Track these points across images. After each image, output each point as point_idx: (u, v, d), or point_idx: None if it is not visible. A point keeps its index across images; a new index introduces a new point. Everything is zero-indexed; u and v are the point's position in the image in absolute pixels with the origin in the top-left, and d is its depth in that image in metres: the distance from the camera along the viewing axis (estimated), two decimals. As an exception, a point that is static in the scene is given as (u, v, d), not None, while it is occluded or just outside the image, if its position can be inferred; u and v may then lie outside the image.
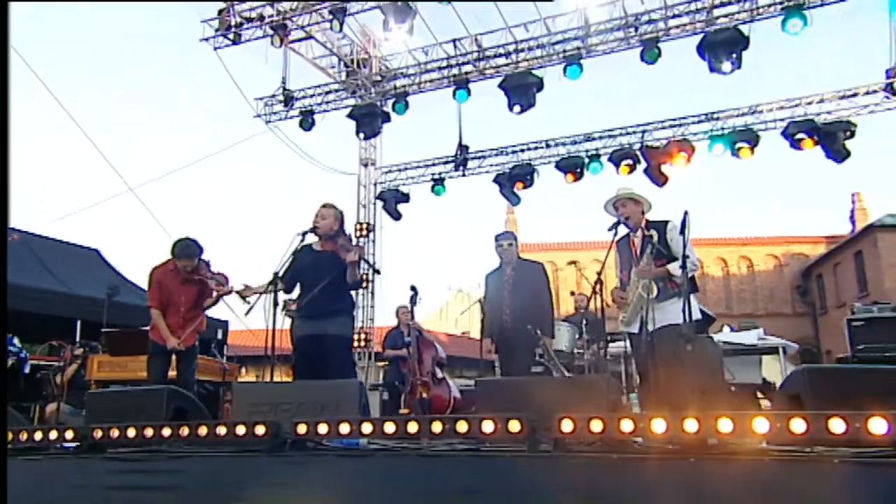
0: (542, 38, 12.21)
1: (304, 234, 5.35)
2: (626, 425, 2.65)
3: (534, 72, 11.55)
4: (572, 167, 12.28)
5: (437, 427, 3.07)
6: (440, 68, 13.04)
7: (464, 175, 13.43)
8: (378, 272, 5.25)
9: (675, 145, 11.63)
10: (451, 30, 13.11)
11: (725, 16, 10.22)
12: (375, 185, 14.07)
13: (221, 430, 3.46)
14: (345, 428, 3.25)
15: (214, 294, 6.20)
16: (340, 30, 11.02)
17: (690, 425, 2.52)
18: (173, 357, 6.19)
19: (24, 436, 3.80)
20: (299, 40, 12.64)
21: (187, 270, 6.07)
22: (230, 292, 6.02)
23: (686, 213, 4.34)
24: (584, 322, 7.49)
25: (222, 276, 6.17)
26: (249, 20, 11.80)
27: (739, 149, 11.09)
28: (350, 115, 12.22)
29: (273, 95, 12.88)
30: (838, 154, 10.65)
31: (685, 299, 4.03)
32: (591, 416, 2.72)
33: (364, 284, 5.47)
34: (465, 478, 2.89)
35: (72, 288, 11.52)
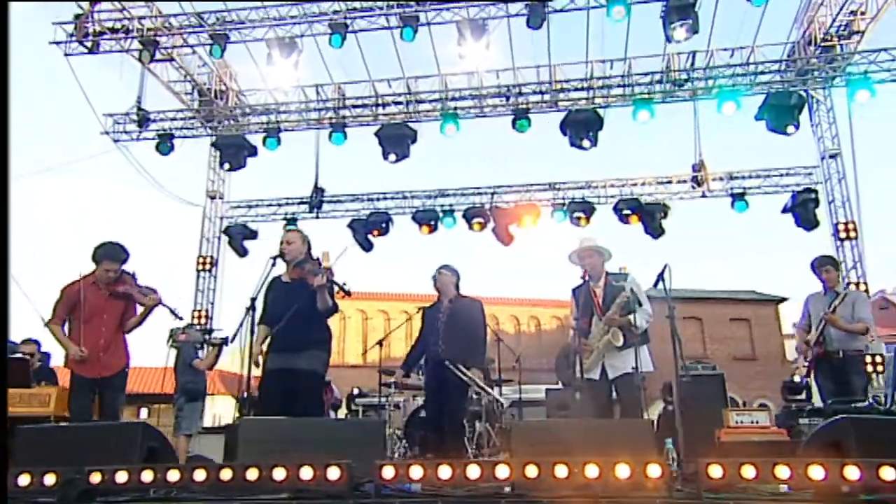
0: (403, 95, 12.52)
1: (275, 258, 4.96)
2: (783, 472, 2.60)
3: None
4: (428, 220, 12.58)
5: (561, 471, 2.73)
6: (300, 111, 12.77)
7: (317, 217, 13.14)
8: (349, 293, 4.90)
9: (521, 208, 12.47)
10: (315, 75, 12.94)
11: (582, 99, 11.29)
12: (221, 219, 13.22)
13: (279, 474, 2.81)
14: (445, 471, 2.78)
15: (140, 309, 5.36)
16: (221, 55, 10.39)
17: (852, 473, 2.54)
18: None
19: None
20: (159, 61, 11.69)
21: (110, 278, 5.25)
22: (158, 303, 5.31)
23: (666, 265, 4.65)
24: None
25: (150, 290, 5.36)
26: (113, 31, 10.70)
27: (578, 218, 12.15)
28: (214, 145, 11.52)
29: (126, 114, 11.69)
30: (655, 230, 12.13)
31: (675, 345, 4.33)
32: (742, 461, 2.63)
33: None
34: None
35: None
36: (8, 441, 3.32)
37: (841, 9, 10.72)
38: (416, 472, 2.77)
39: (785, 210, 11.91)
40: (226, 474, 2.80)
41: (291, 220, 13.04)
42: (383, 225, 12.64)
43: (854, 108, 10.45)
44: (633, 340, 5.04)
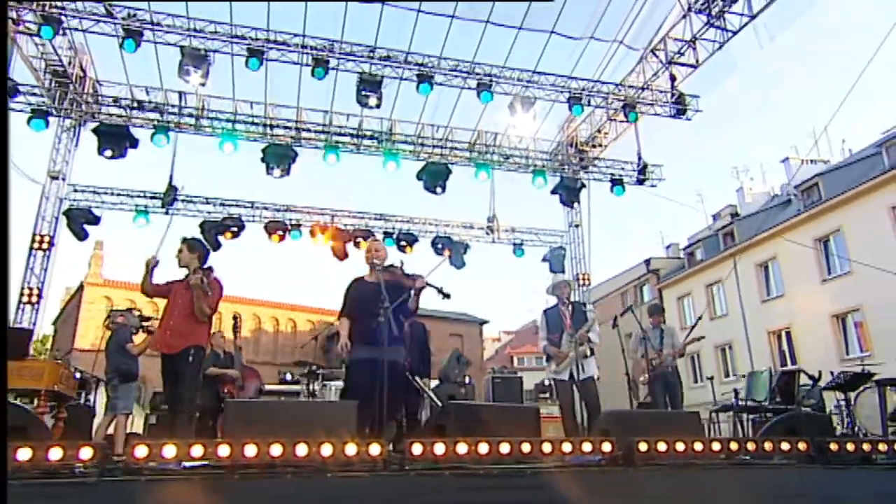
0: (261, 118, 13.14)
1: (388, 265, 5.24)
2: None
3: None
4: (277, 230, 13.28)
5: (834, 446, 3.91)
6: (161, 112, 12.51)
7: (167, 213, 12.85)
8: (448, 296, 4.96)
9: (358, 232, 13.92)
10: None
11: (410, 150, 13.40)
12: (61, 200, 12.13)
13: (607, 447, 3.50)
14: (698, 445, 3.64)
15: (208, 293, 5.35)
16: (135, 50, 10.02)
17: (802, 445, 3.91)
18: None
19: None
20: (26, 34, 10.64)
21: (185, 264, 5.44)
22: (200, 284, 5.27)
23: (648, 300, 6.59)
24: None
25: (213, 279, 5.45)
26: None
27: (404, 246, 14.04)
28: (96, 131, 10.85)
29: (-8, 79, 10.35)
30: (457, 262, 14.59)
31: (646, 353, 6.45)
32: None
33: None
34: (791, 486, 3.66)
35: None
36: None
37: (597, 129, 14.61)
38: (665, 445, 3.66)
39: (544, 259, 15.35)
40: (438, 448, 3.27)
41: (144, 211, 12.57)
42: (235, 228, 12.98)
43: (593, 196, 14.32)
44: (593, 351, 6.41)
